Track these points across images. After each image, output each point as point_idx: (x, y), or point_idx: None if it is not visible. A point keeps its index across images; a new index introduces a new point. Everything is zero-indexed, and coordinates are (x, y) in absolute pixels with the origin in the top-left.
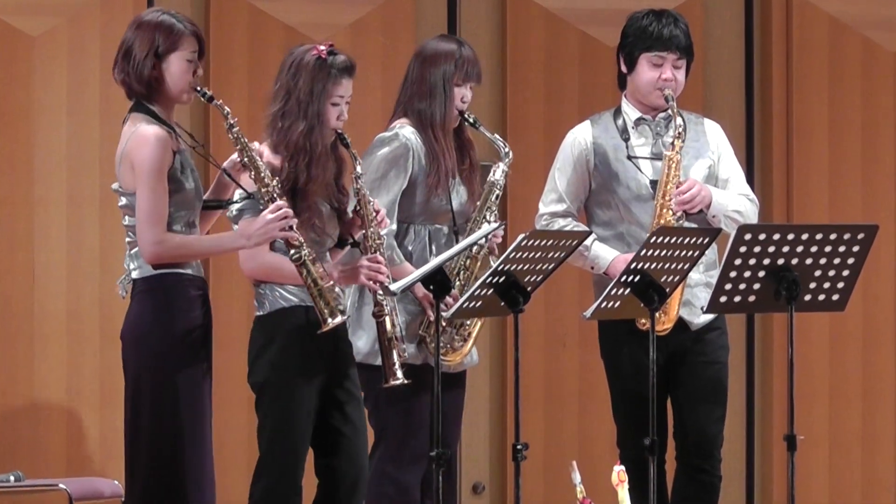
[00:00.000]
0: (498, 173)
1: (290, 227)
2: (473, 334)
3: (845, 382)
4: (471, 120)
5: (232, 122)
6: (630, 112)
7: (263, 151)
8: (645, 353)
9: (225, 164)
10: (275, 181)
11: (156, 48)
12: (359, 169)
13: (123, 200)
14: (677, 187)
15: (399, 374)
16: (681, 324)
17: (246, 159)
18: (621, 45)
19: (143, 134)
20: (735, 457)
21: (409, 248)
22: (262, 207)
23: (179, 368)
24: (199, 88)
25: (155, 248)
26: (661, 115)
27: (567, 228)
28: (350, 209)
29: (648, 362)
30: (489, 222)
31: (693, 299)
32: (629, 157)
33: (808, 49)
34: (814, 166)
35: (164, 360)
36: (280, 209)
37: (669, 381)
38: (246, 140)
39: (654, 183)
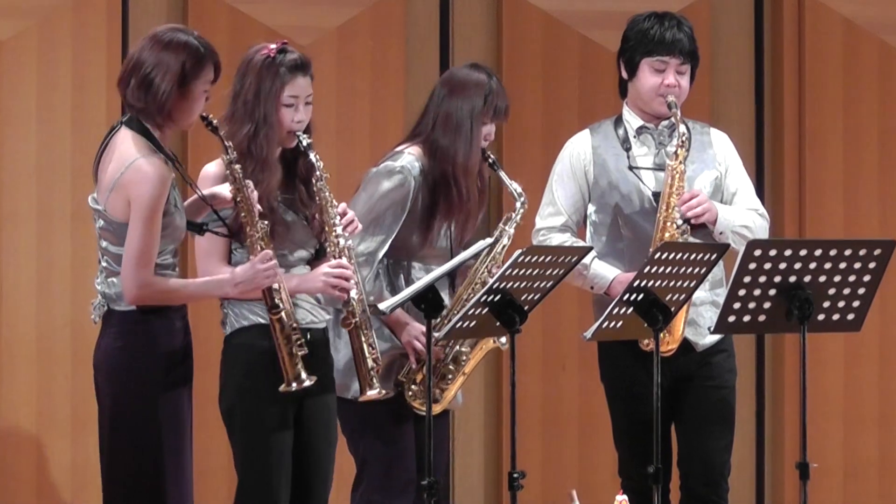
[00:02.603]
0: (509, 224)
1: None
2: (453, 390)
3: (861, 407)
4: (490, 160)
5: (233, 157)
6: (632, 120)
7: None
8: (648, 376)
9: (206, 192)
10: (263, 223)
11: (180, 77)
12: (319, 172)
13: (103, 223)
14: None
15: (375, 382)
16: (686, 345)
17: (239, 198)
18: (622, 50)
19: (145, 170)
20: (744, 486)
21: (403, 286)
22: (239, 248)
23: (161, 396)
24: (206, 116)
25: (139, 292)
26: (664, 123)
27: (566, 244)
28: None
29: (652, 386)
30: (491, 275)
31: (699, 319)
32: (631, 168)
33: (822, 53)
34: (827, 178)
35: (146, 388)
36: (269, 258)
37: (674, 405)
38: (243, 178)
39: (656, 195)
